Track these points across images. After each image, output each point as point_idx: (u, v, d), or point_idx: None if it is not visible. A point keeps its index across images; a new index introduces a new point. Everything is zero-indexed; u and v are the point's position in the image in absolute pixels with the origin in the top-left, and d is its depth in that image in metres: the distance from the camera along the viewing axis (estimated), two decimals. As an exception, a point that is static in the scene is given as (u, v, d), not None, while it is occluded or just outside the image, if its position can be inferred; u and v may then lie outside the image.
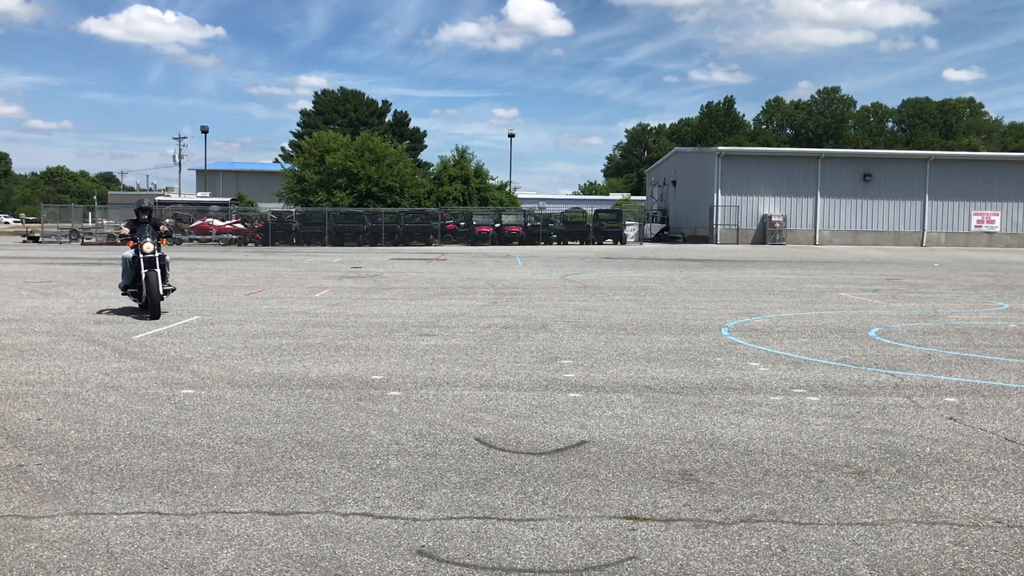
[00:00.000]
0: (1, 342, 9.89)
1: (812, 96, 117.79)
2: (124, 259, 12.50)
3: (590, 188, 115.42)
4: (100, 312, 12.86)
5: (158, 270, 12.13)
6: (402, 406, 6.75)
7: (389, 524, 4.20)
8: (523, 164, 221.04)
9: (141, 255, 12.11)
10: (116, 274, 22.29)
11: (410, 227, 46.10)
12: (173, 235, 13.54)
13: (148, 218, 12.67)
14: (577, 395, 7.21)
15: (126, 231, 12.54)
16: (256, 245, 43.54)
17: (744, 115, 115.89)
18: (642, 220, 56.62)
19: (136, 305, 12.51)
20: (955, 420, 6.42)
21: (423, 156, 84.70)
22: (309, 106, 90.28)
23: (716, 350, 9.65)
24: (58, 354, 9.08)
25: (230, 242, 44.82)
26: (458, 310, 13.63)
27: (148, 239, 12.27)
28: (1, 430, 5.92)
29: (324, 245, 43.62)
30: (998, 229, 49.69)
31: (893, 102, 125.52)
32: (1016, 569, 3.72)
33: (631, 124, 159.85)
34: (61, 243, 46.32)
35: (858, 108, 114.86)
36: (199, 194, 66.60)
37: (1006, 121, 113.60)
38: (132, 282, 12.33)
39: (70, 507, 4.39)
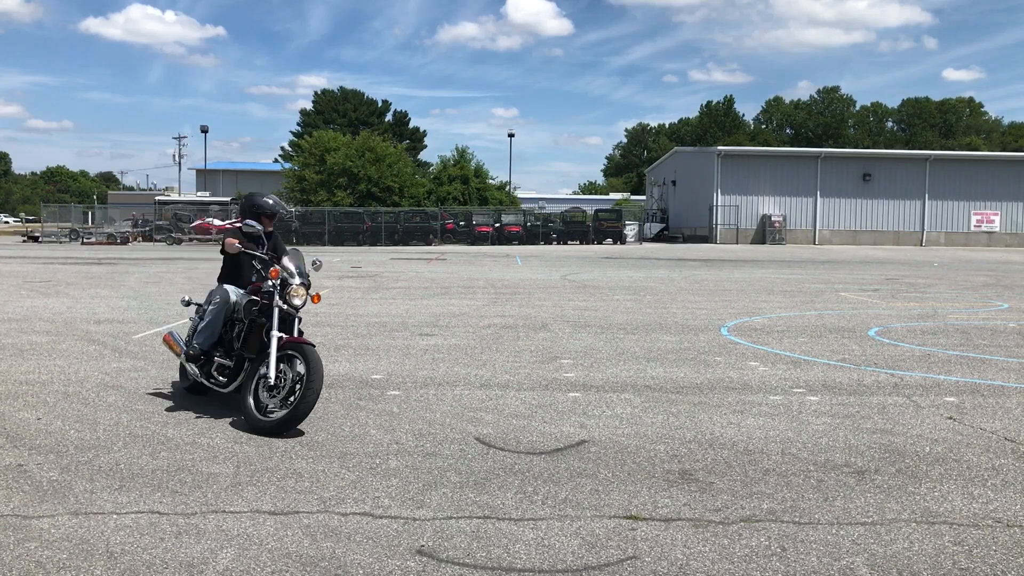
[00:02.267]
0: (1, 342, 9.88)
1: (812, 96, 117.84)
2: (222, 298, 6.59)
3: (590, 188, 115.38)
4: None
5: (313, 347, 5.99)
6: (402, 406, 6.75)
7: (389, 524, 4.20)
8: (523, 164, 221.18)
9: (279, 306, 6.10)
10: (118, 274, 22.28)
11: (410, 227, 46.11)
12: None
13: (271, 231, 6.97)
14: (577, 395, 7.21)
15: (236, 243, 6.59)
16: (256, 245, 43.43)
17: (744, 115, 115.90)
18: (642, 220, 56.64)
19: (196, 383, 6.81)
20: (955, 420, 6.42)
21: (423, 156, 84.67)
22: (309, 106, 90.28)
23: (716, 350, 9.65)
24: (58, 353, 9.08)
25: (230, 242, 44.74)
26: (458, 310, 13.63)
27: (297, 275, 6.26)
28: (1, 430, 5.92)
29: (324, 245, 43.60)
30: (997, 229, 49.68)
31: (893, 102, 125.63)
32: (1016, 569, 3.72)
33: (631, 124, 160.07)
34: (61, 243, 46.30)
35: (858, 108, 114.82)
36: (199, 194, 66.62)
37: (1006, 121, 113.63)
38: (214, 344, 6.61)
39: (70, 507, 4.39)
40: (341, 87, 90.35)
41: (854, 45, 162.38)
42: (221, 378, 6.49)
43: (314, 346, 6.01)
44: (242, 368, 6.30)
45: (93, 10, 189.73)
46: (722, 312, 13.53)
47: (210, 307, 6.61)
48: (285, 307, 6.13)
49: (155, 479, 4.85)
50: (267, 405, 5.94)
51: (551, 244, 46.42)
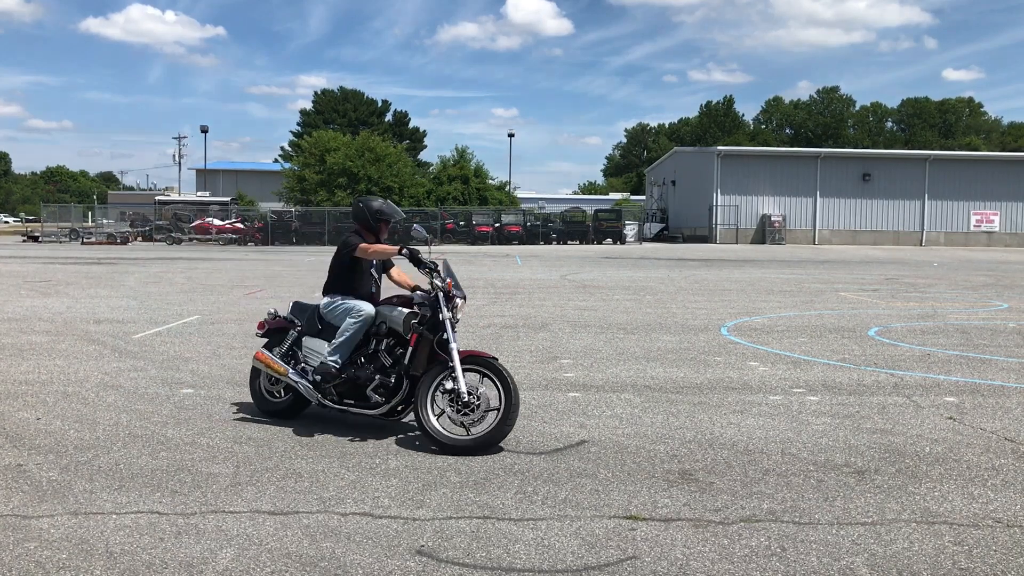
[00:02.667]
0: (1, 342, 9.88)
1: (811, 96, 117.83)
2: (365, 312, 6.07)
3: (590, 188, 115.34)
4: None
5: (497, 360, 5.79)
6: (402, 406, 6.74)
7: (389, 524, 4.19)
8: (523, 164, 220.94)
9: (450, 319, 5.81)
10: (118, 274, 22.26)
11: (410, 227, 46.08)
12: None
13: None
14: (577, 395, 7.21)
15: (395, 249, 6.28)
16: (256, 245, 43.56)
17: (743, 115, 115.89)
18: (641, 220, 56.64)
19: (292, 404, 6.30)
20: (955, 420, 6.42)
21: (423, 156, 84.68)
22: (309, 106, 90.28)
23: (715, 350, 9.65)
24: (57, 353, 9.07)
25: (230, 241, 44.83)
26: (458, 310, 13.61)
27: (456, 283, 5.99)
28: (1, 430, 5.91)
29: (324, 245, 43.62)
30: (997, 229, 49.68)
31: (892, 102, 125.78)
32: (1016, 569, 3.72)
33: (631, 124, 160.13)
34: (61, 243, 46.30)
35: (857, 108, 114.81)
36: (199, 194, 66.62)
37: (1005, 121, 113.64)
38: (355, 363, 6.08)
39: (69, 507, 4.39)
40: (341, 87, 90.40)
41: (854, 45, 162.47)
42: (377, 397, 5.86)
43: (497, 359, 5.74)
44: (401, 387, 5.80)
45: (93, 10, 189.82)
46: (722, 312, 13.53)
47: (350, 321, 6.00)
48: (448, 319, 5.75)
49: (155, 479, 4.85)
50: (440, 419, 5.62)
51: (551, 244, 46.43)
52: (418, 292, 6.05)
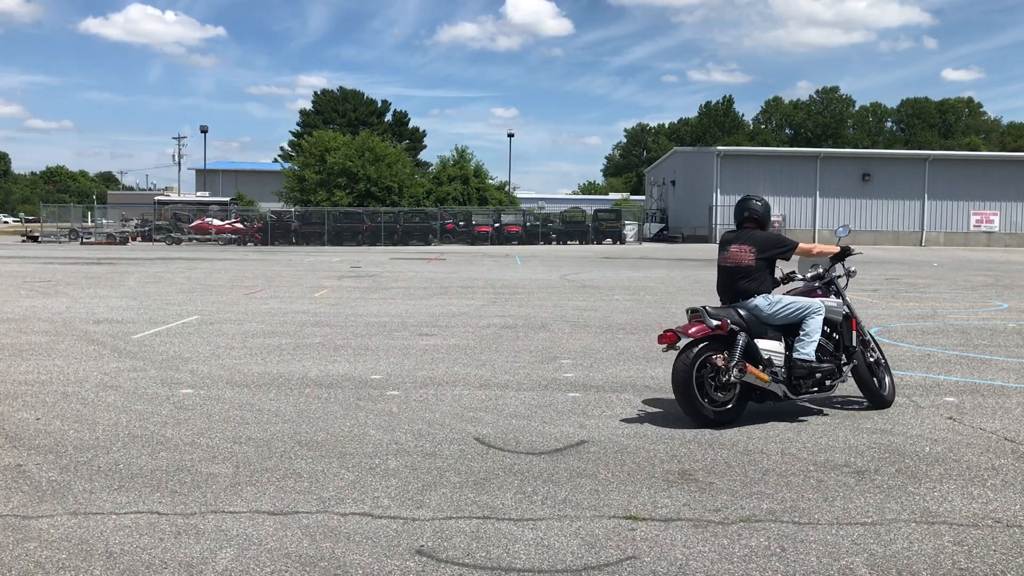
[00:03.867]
0: (1, 341, 9.88)
1: (811, 96, 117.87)
2: (821, 309, 6.50)
3: (589, 188, 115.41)
4: None
5: None
6: (401, 406, 6.75)
7: (388, 524, 4.19)
8: (522, 164, 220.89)
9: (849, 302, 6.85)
10: (117, 274, 22.27)
11: (409, 227, 46.17)
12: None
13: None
14: (576, 395, 7.20)
15: (830, 247, 6.97)
16: (255, 245, 43.56)
17: (743, 115, 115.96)
18: (641, 220, 56.63)
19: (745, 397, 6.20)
20: (954, 420, 6.42)
21: (422, 156, 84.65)
22: (308, 106, 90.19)
23: (715, 350, 9.63)
24: (57, 354, 9.07)
25: (229, 242, 44.85)
26: (457, 310, 13.62)
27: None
28: (0, 430, 5.91)
29: (323, 245, 43.64)
30: (997, 229, 49.70)
31: (892, 102, 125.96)
32: (1015, 569, 3.71)
33: (630, 124, 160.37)
34: (60, 243, 46.29)
35: (857, 108, 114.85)
36: (199, 194, 66.57)
37: (1005, 121, 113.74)
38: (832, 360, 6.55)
39: (69, 507, 4.39)
40: (341, 87, 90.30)
41: (854, 45, 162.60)
42: (840, 380, 6.61)
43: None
44: (844, 369, 6.61)
45: (93, 10, 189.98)
46: (722, 312, 13.51)
47: (818, 319, 6.41)
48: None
49: (154, 479, 4.85)
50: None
51: (550, 244, 46.46)
52: (813, 282, 6.94)
